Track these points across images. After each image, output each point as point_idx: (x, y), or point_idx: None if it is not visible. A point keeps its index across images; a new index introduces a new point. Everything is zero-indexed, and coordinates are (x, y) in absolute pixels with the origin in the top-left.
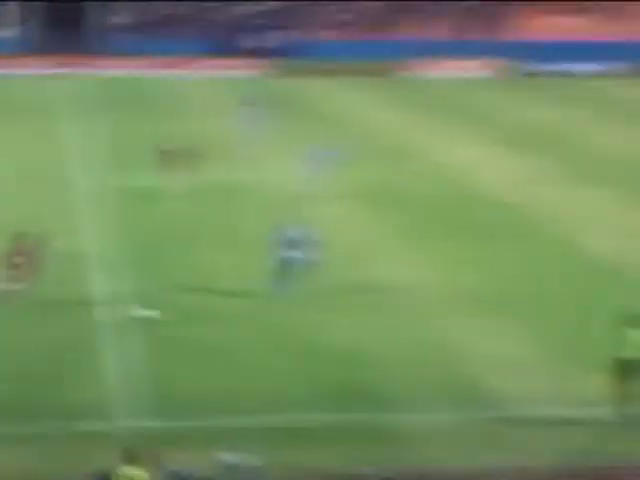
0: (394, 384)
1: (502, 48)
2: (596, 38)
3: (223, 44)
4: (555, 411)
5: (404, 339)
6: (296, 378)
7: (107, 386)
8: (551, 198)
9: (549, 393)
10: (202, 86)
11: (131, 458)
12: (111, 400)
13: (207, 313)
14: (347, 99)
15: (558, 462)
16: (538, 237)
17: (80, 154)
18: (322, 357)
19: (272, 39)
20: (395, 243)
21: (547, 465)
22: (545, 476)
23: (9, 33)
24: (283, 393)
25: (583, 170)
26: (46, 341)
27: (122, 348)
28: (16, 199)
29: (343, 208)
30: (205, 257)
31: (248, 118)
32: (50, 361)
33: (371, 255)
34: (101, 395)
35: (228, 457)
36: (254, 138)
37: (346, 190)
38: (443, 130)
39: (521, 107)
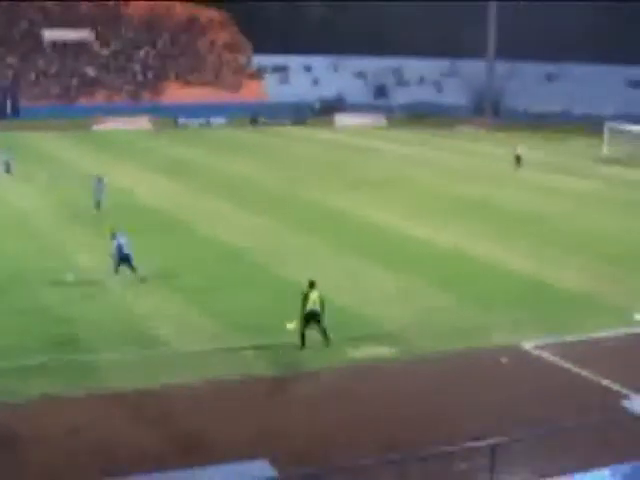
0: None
1: (161, 109)
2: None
3: None
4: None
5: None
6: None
7: None
8: (189, 204)
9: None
10: None
11: None
12: None
13: None
14: (55, 144)
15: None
16: (183, 231)
17: None
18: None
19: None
20: (85, 240)
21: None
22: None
23: None
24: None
25: (208, 186)
26: None
27: None
28: None
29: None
30: None
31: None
32: None
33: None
34: None
35: None
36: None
37: (49, 204)
38: (119, 163)
39: (171, 147)
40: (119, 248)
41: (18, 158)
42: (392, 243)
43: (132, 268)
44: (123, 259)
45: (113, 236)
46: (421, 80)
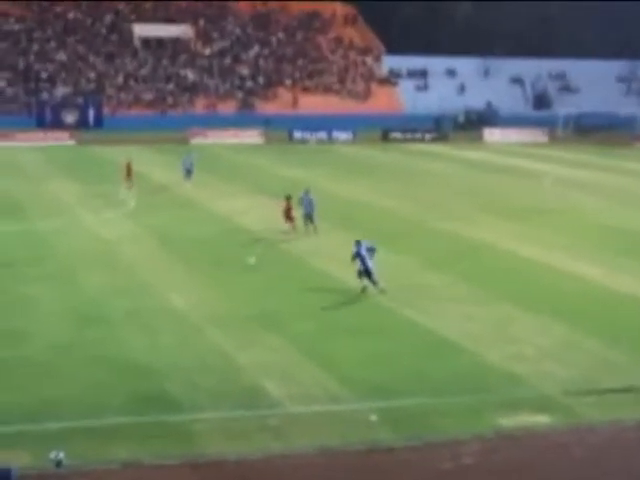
0: (184, 389)
1: (273, 120)
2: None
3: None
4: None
5: (188, 351)
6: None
7: None
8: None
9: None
10: (27, 153)
11: None
12: None
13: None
14: (148, 161)
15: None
16: (292, 266)
17: None
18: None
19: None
20: (181, 276)
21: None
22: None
23: None
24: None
25: (325, 214)
26: None
27: None
28: None
29: (139, 246)
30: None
31: None
32: None
33: (159, 283)
34: None
35: (54, 454)
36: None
37: (142, 232)
38: (219, 184)
39: (284, 166)
40: (362, 259)
41: (95, 178)
42: (549, 285)
43: (373, 282)
44: (364, 271)
45: (357, 243)
46: (591, 87)
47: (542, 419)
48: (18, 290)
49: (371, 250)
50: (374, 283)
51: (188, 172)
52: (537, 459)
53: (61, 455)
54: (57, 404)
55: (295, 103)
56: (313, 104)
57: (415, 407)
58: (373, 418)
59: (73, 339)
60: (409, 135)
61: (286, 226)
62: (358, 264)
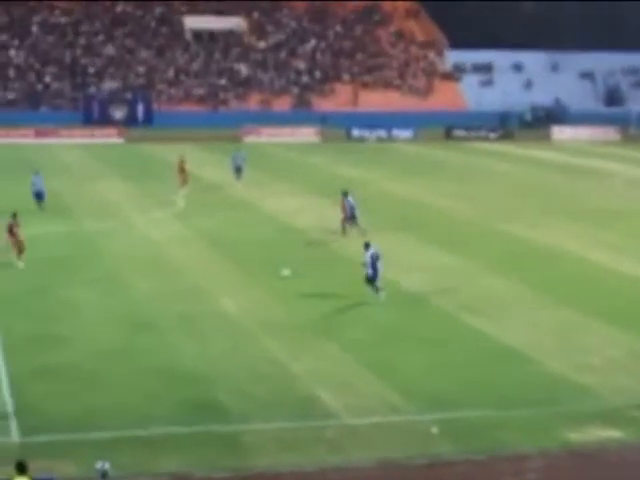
0: (236, 399)
1: (331, 117)
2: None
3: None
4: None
5: (239, 358)
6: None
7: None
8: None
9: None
10: (73, 150)
11: (23, 469)
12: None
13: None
14: (198, 159)
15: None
16: (348, 271)
17: None
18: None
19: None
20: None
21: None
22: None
23: None
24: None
25: (385, 217)
26: None
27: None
28: None
29: (189, 248)
30: None
31: None
32: None
33: (210, 287)
34: None
35: (100, 465)
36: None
37: (192, 233)
38: (273, 183)
39: (342, 165)
40: (372, 259)
41: (144, 177)
42: (618, 292)
43: (376, 288)
44: (371, 278)
45: (367, 247)
46: None
47: (613, 434)
48: (64, 294)
49: (376, 256)
50: (376, 290)
51: (238, 170)
52: (607, 478)
53: (107, 466)
54: (103, 413)
55: (355, 99)
56: (372, 101)
57: (478, 419)
58: (434, 430)
59: (121, 345)
60: (473, 133)
61: (342, 226)
62: (368, 268)
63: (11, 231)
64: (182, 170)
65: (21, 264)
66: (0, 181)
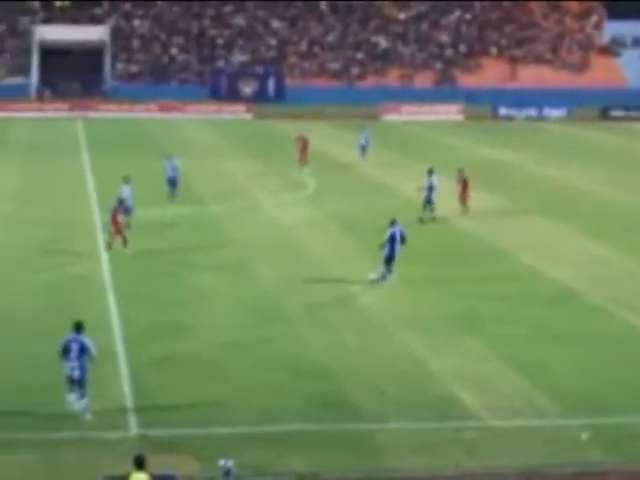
0: (368, 396)
1: (476, 95)
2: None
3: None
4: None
5: (373, 353)
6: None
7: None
8: (510, 226)
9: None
10: (199, 126)
11: (141, 464)
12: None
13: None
14: (333, 138)
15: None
16: (495, 261)
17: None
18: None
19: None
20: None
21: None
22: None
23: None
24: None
25: (537, 203)
26: None
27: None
28: None
29: (321, 233)
30: None
31: None
32: None
33: (345, 276)
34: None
35: (223, 462)
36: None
37: (324, 217)
38: (415, 164)
39: (487, 146)
40: (392, 239)
41: (274, 156)
42: None
43: (389, 269)
44: (389, 258)
45: (392, 224)
46: None
47: None
48: (189, 280)
49: (401, 238)
50: (389, 272)
51: (363, 148)
52: None
53: (230, 464)
54: (227, 407)
55: (504, 75)
56: (522, 77)
57: (634, 426)
58: (584, 436)
59: (246, 335)
60: (633, 113)
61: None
62: (386, 249)
63: (114, 219)
64: (304, 148)
65: (128, 251)
66: (121, 157)
